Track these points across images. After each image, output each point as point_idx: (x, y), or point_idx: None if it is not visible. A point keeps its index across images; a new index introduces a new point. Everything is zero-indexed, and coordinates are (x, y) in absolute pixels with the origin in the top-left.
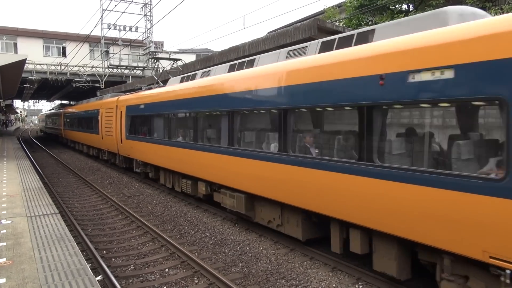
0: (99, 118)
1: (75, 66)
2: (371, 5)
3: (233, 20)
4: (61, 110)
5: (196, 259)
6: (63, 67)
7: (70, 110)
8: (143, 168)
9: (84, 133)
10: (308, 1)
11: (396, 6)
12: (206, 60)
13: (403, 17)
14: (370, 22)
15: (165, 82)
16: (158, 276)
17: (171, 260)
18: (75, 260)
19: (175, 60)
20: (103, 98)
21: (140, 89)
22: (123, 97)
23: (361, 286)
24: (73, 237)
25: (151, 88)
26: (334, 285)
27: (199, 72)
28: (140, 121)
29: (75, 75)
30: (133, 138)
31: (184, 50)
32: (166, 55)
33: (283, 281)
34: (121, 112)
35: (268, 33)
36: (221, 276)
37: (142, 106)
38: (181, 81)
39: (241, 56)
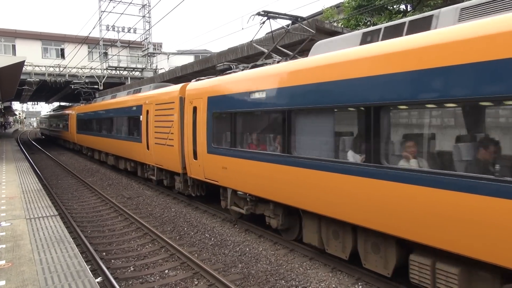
0: (141, 119)
1: (74, 67)
2: (369, 6)
3: (231, 21)
4: (71, 111)
5: (196, 260)
6: (61, 69)
7: (87, 108)
8: (251, 207)
9: (112, 139)
10: (306, 1)
11: (394, 6)
12: (205, 61)
13: (402, 17)
14: (368, 23)
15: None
16: (158, 277)
17: (171, 261)
18: (75, 262)
19: (296, 18)
20: (142, 90)
21: (228, 69)
22: (197, 84)
23: (360, 286)
24: (72, 239)
25: (255, 66)
26: (334, 286)
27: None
28: (255, 123)
29: (74, 77)
30: (230, 153)
31: (183, 51)
32: (165, 57)
33: (283, 281)
34: (194, 108)
35: (267, 34)
36: (221, 277)
37: (259, 95)
38: (364, 41)
39: (239, 57)
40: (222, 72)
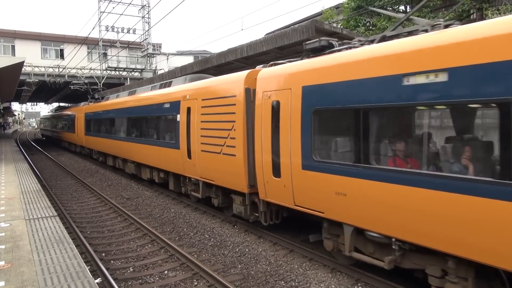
0: (178, 119)
1: (73, 68)
2: (368, 7)
3: (231, 21)
4: (76, 111)
5: (195, 261)
6: (61, 70)
7: (97, 107)
8: (397, 257)
9: (134, 143)
10: (306, 2)
11: (393, 7)
12: (204, 62)
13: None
14: (367, 24)
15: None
16: (157, 278)
17: (170, 262)
18: (74, 262)
19: None
20: (173, 84)
21: (328, 47)
22: (277, 70)
23: (360, 287)
24: (72, 239)
25: (385, 39)
26: (333, 286)
27: None
28: (412, 126)
29: (73, 78)
30: (357, 173)
31: (182, 52)
32: (164, 57)
33: (282, 282)
34: (274, 103)
35: (266, 34)
36: (221, 278)
37: (428, 79)
38: None
39: (239, 58)
40: (317, 52)
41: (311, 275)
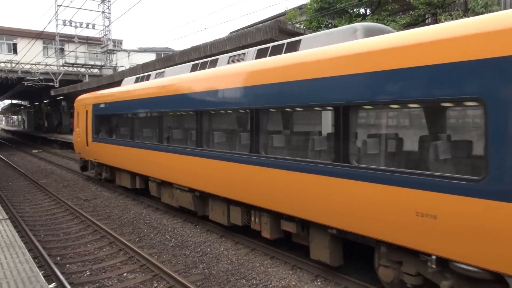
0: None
1: (27, 64)
2: (330, 8)
3: (194, 20)
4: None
5: (156, 262)
6: (13, 65)
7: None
8: None
9: None
10: (270, 3)
11: (354, 10)
12: (167, 59)
13: (360, 21)
14: (329, 25)
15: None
16: (115, 281)
17: (130, 264)
18: (26, 267)
19: None
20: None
21: None
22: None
23: (319, 282)
24: (24, 243)
25: None
26: (293, 283)
27: None
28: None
29: (27, 74)
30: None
31: (145, 49)
32: (125, 54)
33: (244, 281)
34: None
35: (230, 33)
36: (181, 279)
37: None
38: None
39: (202, 56)
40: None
41: (272, 272)
